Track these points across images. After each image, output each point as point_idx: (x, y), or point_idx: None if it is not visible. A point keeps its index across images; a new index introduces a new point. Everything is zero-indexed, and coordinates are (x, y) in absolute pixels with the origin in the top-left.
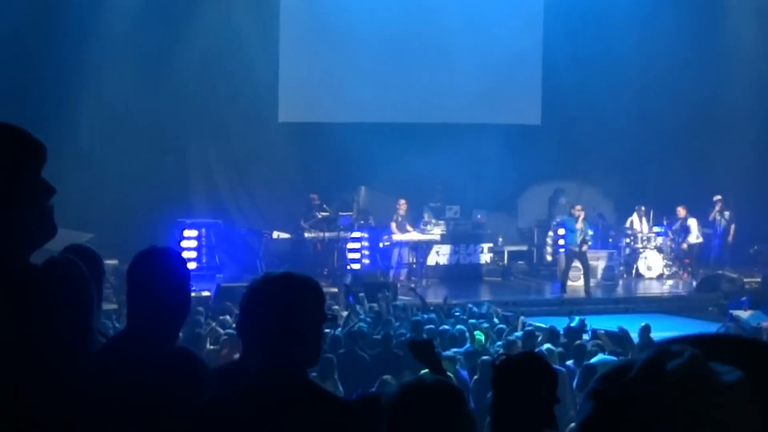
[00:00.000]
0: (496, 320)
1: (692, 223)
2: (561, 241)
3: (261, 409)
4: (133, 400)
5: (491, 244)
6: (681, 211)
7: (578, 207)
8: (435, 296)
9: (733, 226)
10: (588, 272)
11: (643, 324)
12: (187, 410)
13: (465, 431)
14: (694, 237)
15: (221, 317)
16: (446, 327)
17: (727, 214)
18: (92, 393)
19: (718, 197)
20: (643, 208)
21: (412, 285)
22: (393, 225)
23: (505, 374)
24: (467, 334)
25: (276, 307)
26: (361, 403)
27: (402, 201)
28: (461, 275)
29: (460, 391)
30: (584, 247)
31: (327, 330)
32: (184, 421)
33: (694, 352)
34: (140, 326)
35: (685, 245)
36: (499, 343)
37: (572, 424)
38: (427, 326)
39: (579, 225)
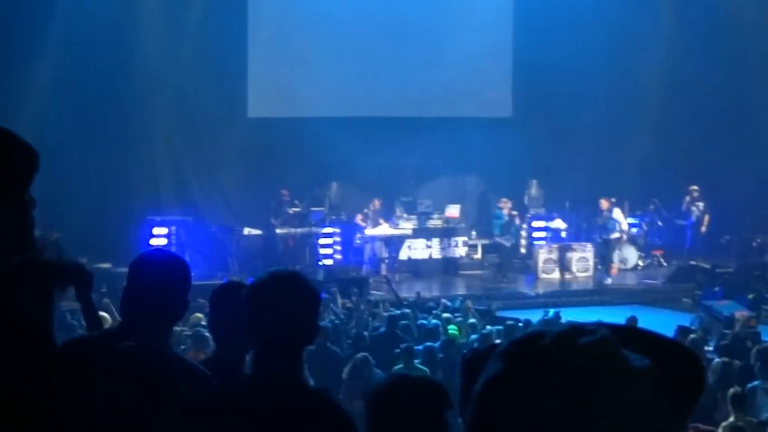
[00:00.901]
0: (470, 317)
1: (618, 215)
2: (535, 234)
3: (257, 408)
4: (112, 396)
5: (465, 238)
6: (604, 203)
7: (504, 200)
8: (408, 291)
9: (707, 217)
10: (506, 267)
11: (629, 316)
12: (172, 407)
13: (446, 428)
14: (623, 227)
15: (193, 315)
16: (423, 322)
17: (701, 204)
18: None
19: (695, 187)
20: (614, 200)
21: (389, 277)
22: (359, 218)
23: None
24: (441, 329)
25: (288, 305)
26: None
27: (376, 201)
28: (435, 269)
29: (445, 389)
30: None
31: None
32: (176, 416)
33: (607, 333)
34: (133, 326)
35: (615, 235)
36: (474, 336)
37: None
38: (402, 321)
39: (506, 214)
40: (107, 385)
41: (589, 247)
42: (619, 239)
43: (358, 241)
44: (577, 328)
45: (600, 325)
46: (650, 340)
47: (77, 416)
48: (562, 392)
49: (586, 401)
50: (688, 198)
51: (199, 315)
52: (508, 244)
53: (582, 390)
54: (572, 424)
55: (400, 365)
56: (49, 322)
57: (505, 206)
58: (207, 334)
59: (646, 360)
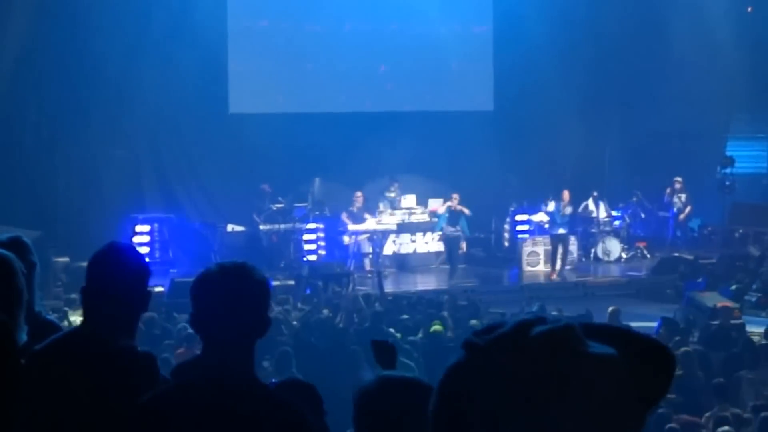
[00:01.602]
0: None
1: (592, 206)
2: (519, 227)
3: (205, 406)
4: (84, 397)
5: None
6: (566, 195)
7: (454, 195)
8: (393, 286)
9: (689, 208)
10: (455, 259)
11: (611, 308)
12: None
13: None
14: (601, 219)
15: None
16: (405, 316)
17: (683, 196)
18: (40, 389)
19: (678, 179)
20: (595, 194)
21: (379, 271)
22: (344, 216)
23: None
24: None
25: (233, 298)
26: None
27: (359, 193)
28: (419, 264)
29: (432, 388)
30: (454, 236)
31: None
32: (128, 416)
33: (570, 323)
34: (96, 323)
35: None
36: (459, 331)
37: None
38: (386, 316)
39: (453, 209)
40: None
41: (573, 240)
42: (565, 235)
43: (346, 239)
44: (539, 318)
45: (565, 317)
46: (619, 333)
47: (46, 421)
48: (519, 378)
49: (543, 387)
50: (669, 190)
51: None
52: (455, 235)
53: (539, 376)
54: (530, 409)
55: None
56: (16, 325)
57: (454, 201)
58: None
59: (609, 349)
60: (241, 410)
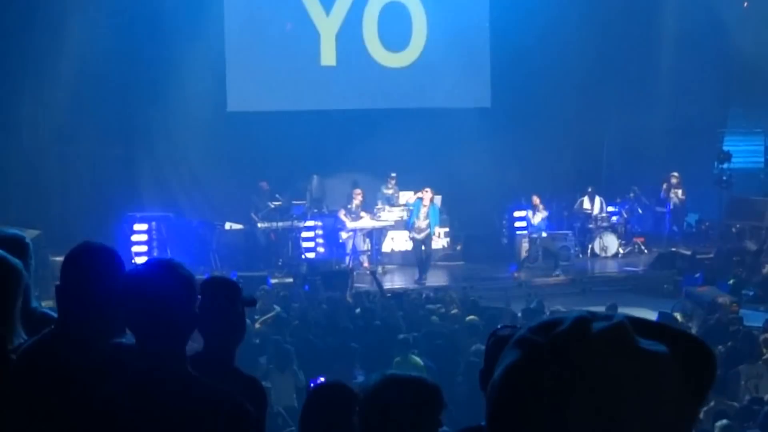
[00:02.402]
0: (453, 307)
1: (587, 204)
2: (517, 224)
3: (139, 399)
4: (64, 400)
5: (447, 229)
6: (536, 200)
7: (426, 189)
8: (392, 283)
9: (684, 203)
10: (428, 258)
11: (608, 304)
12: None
13: (435, 424)
14: (597, 215)
15: None
16: (401, 313)
17: (680, 191)
18: (19, 392)
19: (674, 174)
20: (590, 189)
21: (377, 270)
22: (341, 213)
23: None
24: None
25: (159, 294)
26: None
27: (357, 190)
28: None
29: (437, 388)
30: (423, 234)
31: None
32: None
33: (622, 319)
34: (72, 323)
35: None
36: (457, 326)
37: None
38: (383, 313)
39: (424, 207)
40: (47, 390)
41: (571, 235)
42: (535, 238)
43: (344, 235)
44: (593, 314)
45: (614, 313)
46: (663, 329)
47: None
48: (581, 377)
49: (606, 385)
50: (665, 185)
51: None
52: (423, 231)
53: (600, 375)
54: (595, 408)
55: (398, 358)
56: (11, 330)
57: (426, 195)
58: None
59: (660, 346)
60: (172, 399)
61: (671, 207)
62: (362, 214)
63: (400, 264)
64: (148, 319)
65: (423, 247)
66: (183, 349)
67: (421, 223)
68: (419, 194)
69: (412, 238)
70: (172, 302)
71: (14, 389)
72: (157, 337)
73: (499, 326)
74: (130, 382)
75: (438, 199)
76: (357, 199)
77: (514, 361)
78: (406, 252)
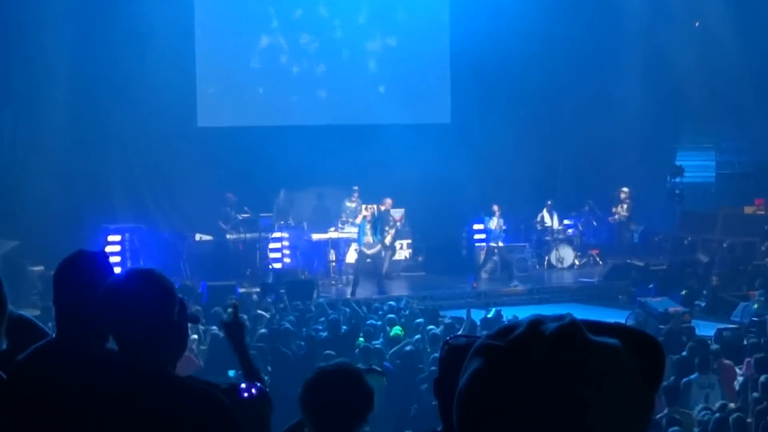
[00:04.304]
0: (415, 317)
1: (547, 217)
2: (476, 236)
3: (123, 401)
4: (69, 406)
5: (409, 240)
6: (494, 207)
7: (368, 206)
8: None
9: (628, 218)
10: (379, 270)
11: (565, 312)
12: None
13: (365, 404)
14: (554, 228)
15: None
16: (371, 321)
17: (625, 206)
18: (22, 401)
19: (624, 189)
20: (550, 203)
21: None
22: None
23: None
24: (387, 328)
25: (138, 301)
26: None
27: (388, 200)
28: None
29: (358, 371)
30: (373, 250)
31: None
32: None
33: (573, 318)
34: (71, 332)
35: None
36: (417, 336)
37: None
38: (347, 322)
39: (367, 224)
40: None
41: (528, 247)
42: (492, 248)
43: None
44: (546, 316)
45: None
46: (605, 326)
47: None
48: (541, 375)
49: (566, 380)
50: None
51: None
52: (373, 246)
53: (560, 370)
54: (559, 402)
55: (360, 364)
56: None
57: (367, 214)
58: None
59: (612, 339)
60: (156, 400)
61: (617, 221)
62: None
63: (362, 275)
64: (127, 326)
65: (369, 261)
66: (164, 354)
67: (369, 238)
68: (364, 213)
69: (360, 252)
70: (151, 309)
71: (17, 399)
72: (137, 342)
73: (450, 336)
74: (114, 388)
75: (400, 212)
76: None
77: (478, 367)
78: (368, 264)
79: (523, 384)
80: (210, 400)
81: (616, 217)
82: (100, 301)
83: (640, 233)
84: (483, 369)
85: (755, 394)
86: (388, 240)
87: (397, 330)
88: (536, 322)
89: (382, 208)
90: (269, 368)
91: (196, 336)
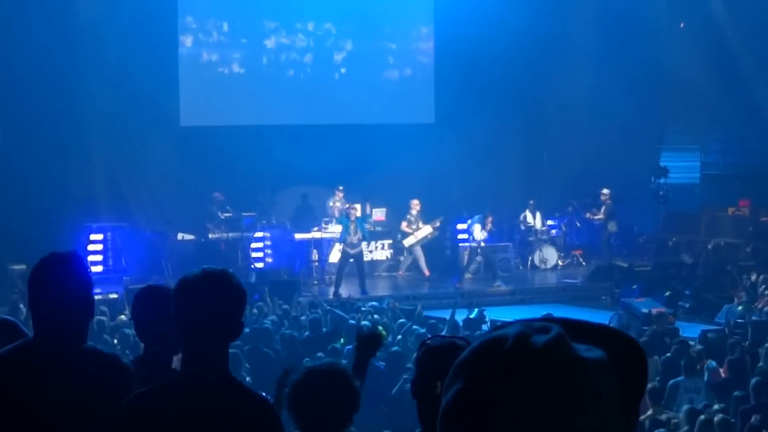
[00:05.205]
0: (397, 317)
1: (530, 218)
2: (459, 236)
3: (185, 403)
4: (53, 404)
5: (391, 241)
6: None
7: (353, 205)
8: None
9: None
10: (362, 271)
11: (544, 314)
12: (114, 405)
13: (351, 403)
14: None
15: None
16: (352, 322)
17: (604, 207)
18: (7, 402)
19: (605, 191)
20: (532, 202)
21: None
22: (404, 225)
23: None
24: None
25: (212, 302)
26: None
27: (415, 201)
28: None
29: (346, 372)
30: (357, 250)
31: None
32: (111, 416)
33: (559, 330)
34: (48, 333)
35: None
36: (399, 336)
37: None
38: (331, 322)
39: (352, 223)
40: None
41: (511, 247)
42: (475, 248)
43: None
44: (529, 326)
45: (548, 320)
46: (592, 330)
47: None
48: (527, 394)
49: (553, 398)
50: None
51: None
52: (356, 246)
53: (547, 388)
54: (547, 420)
55: (345, 361)
56: None
57: (351, 213)
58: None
59: (597, 351)
60: (219, 407)
61: (594, 221)
62: (420, 224)
63: (345, 275)
64: (199, 324)
65: (353, 261)
66: (227, 355)
67: (353, 238)
68: (348, 209)
69: (343, 252)
70: (225, 313)
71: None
72: (205, 342)
73: (429, 336)
74: (174, 384)
75: (383, 211)
76: (415, 209)
77: (462, 388)
78: (351, 264)
79: (509, 405)
80: (267, 410)
81: (594, 217)
82: (173, 299)
83: (615, 235)
84: (466, 390)
85: (737, 393)
86: (409, 241)
87: (380, 330)
88: (523, 336)
89: (357, 213)
90: (247, 366)
91: None
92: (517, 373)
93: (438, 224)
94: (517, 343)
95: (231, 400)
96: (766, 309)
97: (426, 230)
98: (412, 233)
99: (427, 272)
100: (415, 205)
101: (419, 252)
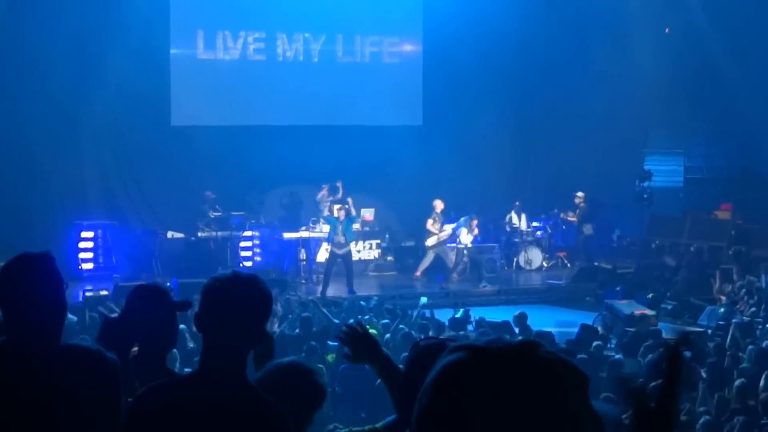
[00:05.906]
0: (383, 317)
1: (515, 219)
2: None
3: (197, 400)
4: (28, 405)
5: (379, 241)
6: (438, 205)
7: (337, 206)
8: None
9: (577, 220)
10: (350, 271)
11: (517, 313)
12: (108, 399)
13: (312, 402)
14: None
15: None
16: (337, 321)
17: (578, 210)
18: None
19: (579, 194)
20: (517, 203)
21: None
22: (429, 223)
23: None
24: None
25: (240, 306)
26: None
27: (438, 201)
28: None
29: (308, 370)
30: (344, 250)
31: None
32: (121, 410)
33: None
34: (20, 334)
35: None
36: (388, 336)
37: None
38: (319, 321)
39: (339, 224)
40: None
41: (497, 248)
42: (462, 250)
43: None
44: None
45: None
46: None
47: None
48: (517, 397)
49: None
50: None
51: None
52: (344, 246)
53: (538, 397)
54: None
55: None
56: None
57: (340, 213)
58: None
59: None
60: (230, 408)
61: (569, 222)
62: (445, 226)
63: (334, 275)
64: (223, 324)
65: (340, 261)
66: (245, 361)
67: (340, 238)
68: (334, 211)
69: (331, 252)
70: (251, 315)
71: None
72: (226, 343)
73: (421, 338)
74: (188, 381)
75: (370, 211)
76: (439, 208)
77: (430, 403)
78: (339, 263)
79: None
80: (280, 419)
81: (568, 218)
82: (202, 297)
83: (591, 237)
84: (440, 406)
85: (717, 394)
86: (431, 241)
87: (371, 329)
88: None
89: (342, 214)
90: None
91: None
92: (483, 385)
93: (450, 230)
94: (520, 349)
95: (243, 403)
96: (748, 311)
97: (448, 231)
98: (436, 233)
99: (418, 273)
100: (438, 205)
101: (432, 255)
